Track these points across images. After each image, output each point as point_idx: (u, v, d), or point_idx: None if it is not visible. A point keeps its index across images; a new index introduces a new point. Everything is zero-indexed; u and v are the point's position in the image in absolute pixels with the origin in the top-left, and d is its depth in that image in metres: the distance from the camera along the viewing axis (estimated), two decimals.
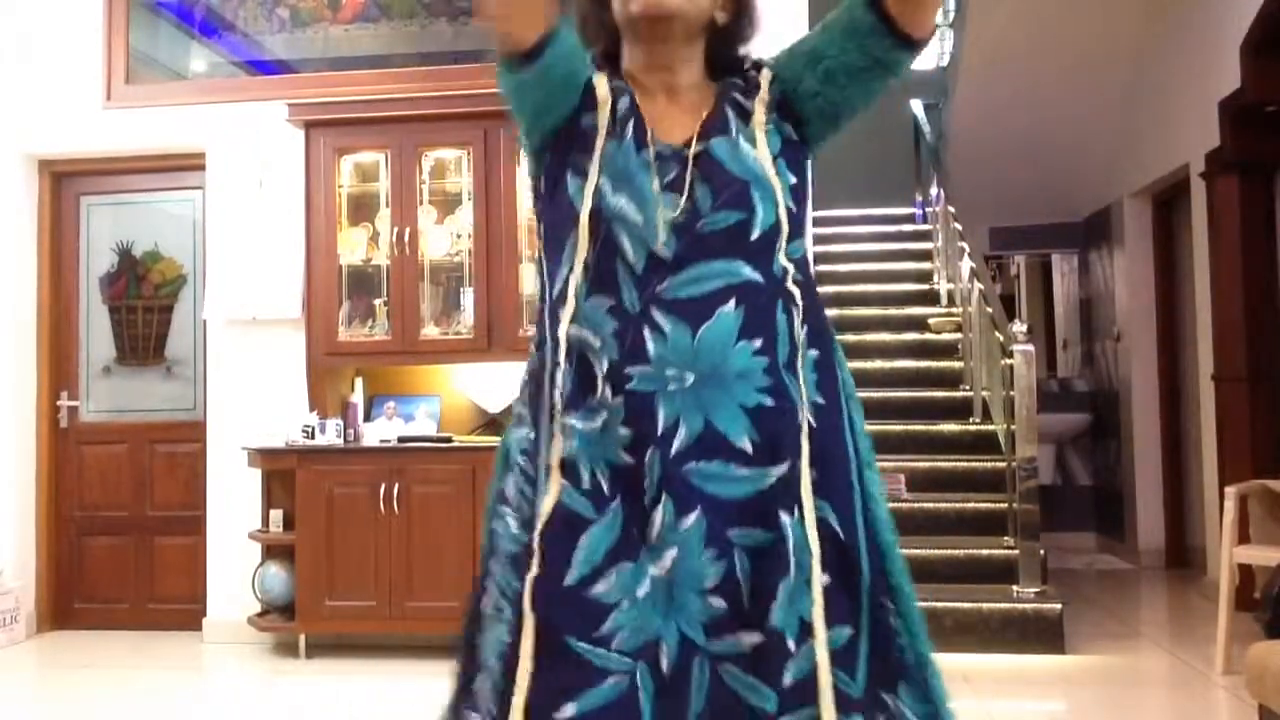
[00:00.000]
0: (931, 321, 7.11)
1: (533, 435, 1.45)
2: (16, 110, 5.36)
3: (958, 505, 5.43)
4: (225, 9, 5.32)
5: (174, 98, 5.29)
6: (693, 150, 1.43)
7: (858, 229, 8.43)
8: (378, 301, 4.92)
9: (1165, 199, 6.65)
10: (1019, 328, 5.12)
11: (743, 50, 1.58)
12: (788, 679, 1.29)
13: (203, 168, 5.26)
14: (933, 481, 5.70)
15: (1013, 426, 4.97)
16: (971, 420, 6.19)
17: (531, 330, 4.88)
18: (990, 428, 5.97)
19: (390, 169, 4.88)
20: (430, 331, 4.86)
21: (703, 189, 1.40)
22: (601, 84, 1.48)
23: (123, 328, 5.48)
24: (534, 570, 1.34)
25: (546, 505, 1.36)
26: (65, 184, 5.53)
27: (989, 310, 5.81)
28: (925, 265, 7.95)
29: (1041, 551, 4.87)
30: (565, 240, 1.42)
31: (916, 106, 8.62)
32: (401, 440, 4.75)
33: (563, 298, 1.41)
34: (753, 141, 1.45)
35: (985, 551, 5.07)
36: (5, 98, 5.37)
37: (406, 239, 4.82)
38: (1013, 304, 8.48)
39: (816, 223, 5.22)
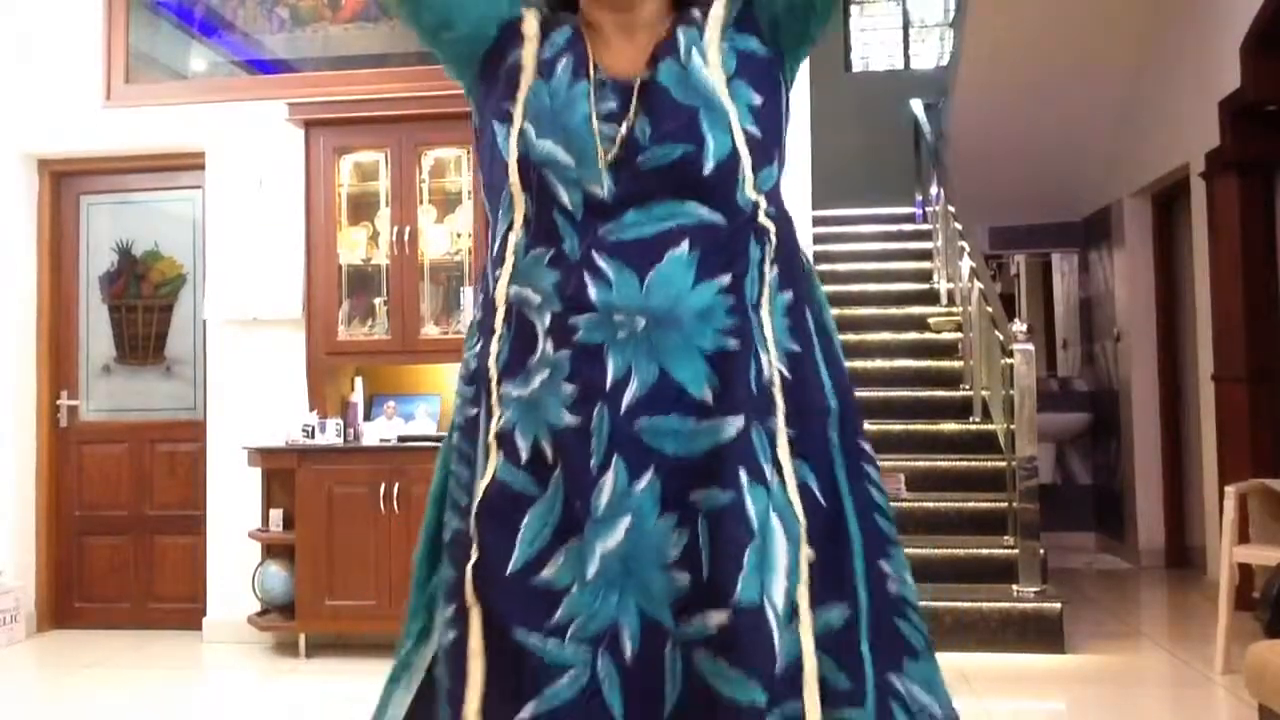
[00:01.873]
0: (931, 321, 7.12)
1: (473, 412, 1.29)
2: (16, 110, 5.36)
3: (958, 505, 5.43)
4: (225, 9, 5.31)
5: (174, 97, 5.29)
6: (638, 79, 1.27)
7: (858, 228, 8.44)
8: (378, 301, 4.92)
9: (1165, 199, 6.65)
10: (1019, 327, 5.12)
11: None
12: (778, 666, 1.12)
13: (203, 167, 5.26)
14: (933, 481, 5.70)
15: (1013, 426, 4.97)
16: (971, 420, 6.20)
17: None
18: (990, 427, 5.97)
19: (390, 168, 4.88)
20: (430, 331, 4.86)
21: (642, 121, 1.24)
22: (530, 20, 1.34)
23: (123, 327, 5.48)
24: (473, 557, 1.16)
25: (481, 485, 1.20)
26: (65, 184, 5.53)
27: (989, 310, 5.81)
28: (925, 265, 7.95)
29: (1041, 551, 4.87)
30: (500, 194, 1.29)
31: (916, 106, 8.63)
32: (401, 440, 4.75)
33: (500, 257, 1.28)
34: (704, 58, 1.27)
35: (985, 551, 5.07)
36: (5, 98, 5.37)
37: (406, 238, 4.83)
38: (1013, 304, 8.48)
39: (816, 222, 5.21)
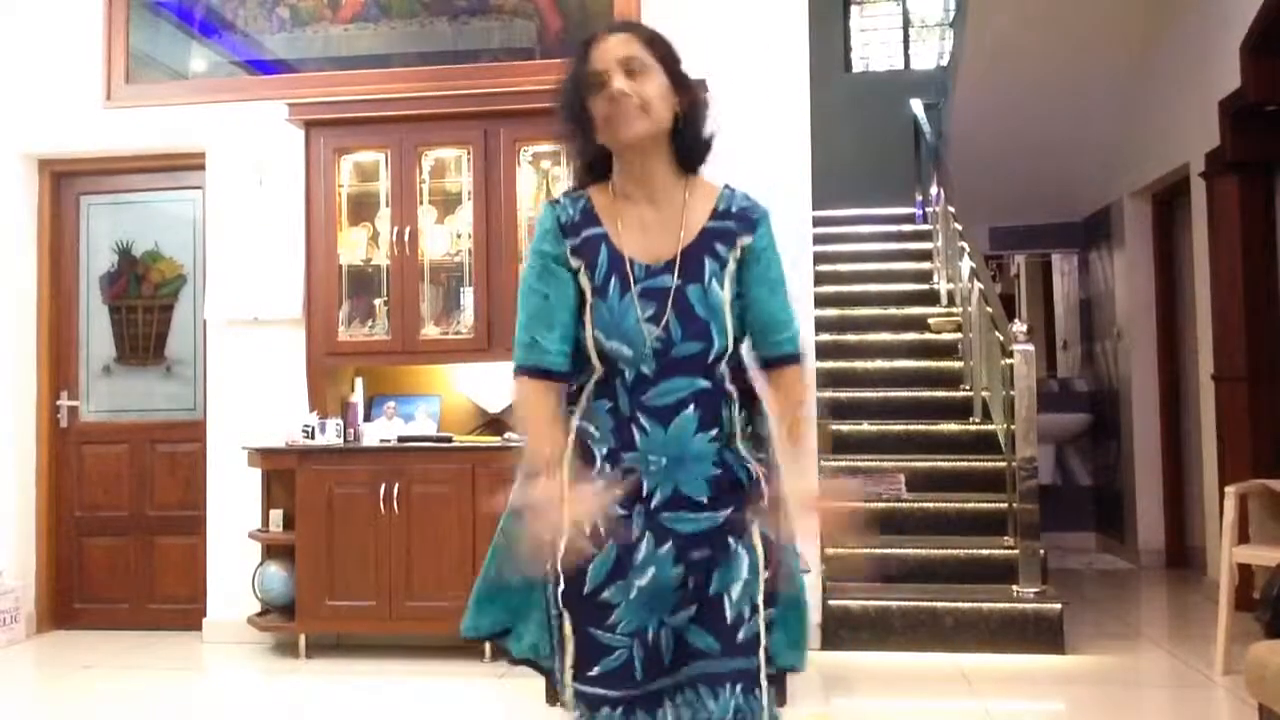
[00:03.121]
0: (931, 321, 7.12)
1: None
2: (16, 110, 5.36)
3: (958, 505, 5.43)
4: (225, 9, 5.32)
5: (174, 97, 5.29)
6: (673, 284, 1.88)
7: (858, 229, 8.43)
8: (378, 301, 4.92)
9: (1165, 199, 6.65)
10: (1019, 328, 5.12)
11: (705, 132, 1.94)
12: (740, 635, 1.85)
13: (203, 167, 5.26)
14: (933, 481, 5.70)
15: (1013, 426, 4.97)
16: (971, 420, 6.19)
17: None
18: (990, 428, 5.97)
19: (390, 169, 4.88)
20: (430, 331, 4.86)
21: (675, 324, 1.87)
22: (571, 258, 1.91)
23: (123, 327, 5.49)
24: (561, 585, 1.91)
25: (562, 543, 1.86)
26: (65, 184, 5.53)
27: (989, 310, 5.81)
28: (925, 265, 7.95)
29: (1041, 551, 4.87)
30: (585, 361, 1.93)
31: (916, 106, 8.63)
32: (401, 440, 4.75)
33: (576, 397, 1.94)
34: (721, 285, 1.89)
35: (985, 551, 5.07)
36: (5, 98, 5.37)
37: (406, 239, 4.83)
38: (1013, 304, 8.48)
39: (816, 223, 5.21)
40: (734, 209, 1.94)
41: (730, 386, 1.93)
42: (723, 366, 1.90)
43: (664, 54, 1.92)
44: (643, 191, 1.92)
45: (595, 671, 1.88)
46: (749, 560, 1.88)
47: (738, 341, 1.93)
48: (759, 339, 1.95)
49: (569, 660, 1.91)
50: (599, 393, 1.92)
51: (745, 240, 1.92)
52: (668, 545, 1.87)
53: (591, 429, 1.92)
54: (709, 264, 1.89)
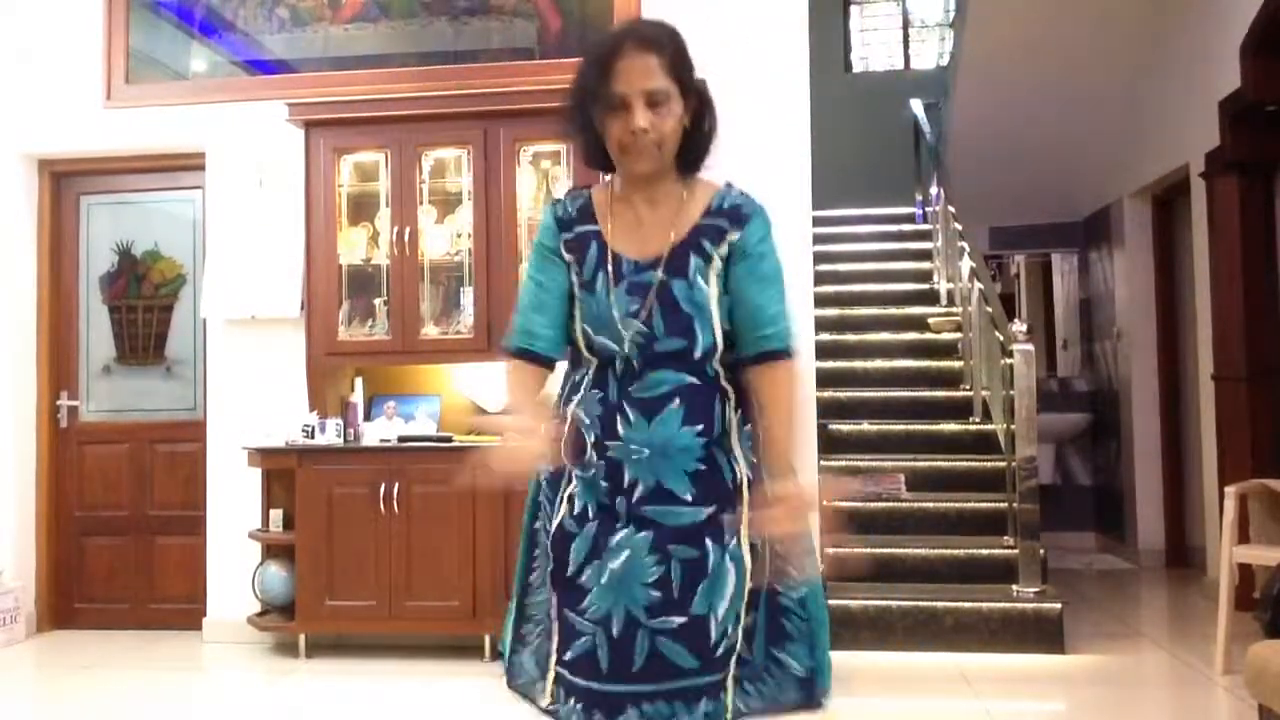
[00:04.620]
0: (931, 321, 7.12)
1: (554, 470, 2.02)
2: (16, 110, 5.36)
3: (958, 505, 5.43)
4: (225, 9, 5.32)
5: (174, 98, 5.29)
6: (658, 279, 1.90)
7: (858, 229, 8.43)
8: (378, 301, 4.92)
9: (1165, 199, 6.65)
10: (1019, 327, 5.12)
11: (710, 142, 1.97)
12: (720, 650, 1.88)
13: (203, 168, 5.26)
14: (933, 481, 5.70)
15: (1013, 426, 4.97)
16: (971, 420, 6.20)
17: None
18: (990, 427, 5.97)
19: (390, 169, 4.88)
20: (430, 331, 4.86)
21: (658, 319, 1.89)
22: (564, 252, 1.98)
23: (123, 327, 5.49)
24: (552, 564, 1.96)
25: (554, 523, 1.97)
26: (65, 184, 5.53)
27: (989, 310, 5.81)
28: (925, 265, 7.95)
29: (1041, 551, 4.87)
30: (579, 354, 2.00)
31: (916, 106, 8.63)
32: (401, 440, 4.75)
33: (576, 388, 1.98)
34: (706, 281, 1.91)
35: (985, 551, 5.07)
36: (5, 98, 5.37)
37: (406, 239, 4.83)
38: (1013, 304, 8.48)
39: (816, 222, 5.22)
40: (727, 206, 1.95)
41: (725, 384, 1.94)
42: (714, 363, 1.92)
43: (680, 72, 1.89)
44: (642, 195, 1.96)
45: (569, 656, 1.90)
46: (735, 575, 1.89)
47: (730, 338, 1.93)
48: (743, 334, 1.92)
49: (554, 644, 1.94)
50: (594, 382, 1.95)
51: (734, 236, 1.92)
52: (646, 533, 1.88)
53: (584, 416, 1.95)
54: (694, 260, 1.91)
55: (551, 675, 1.95)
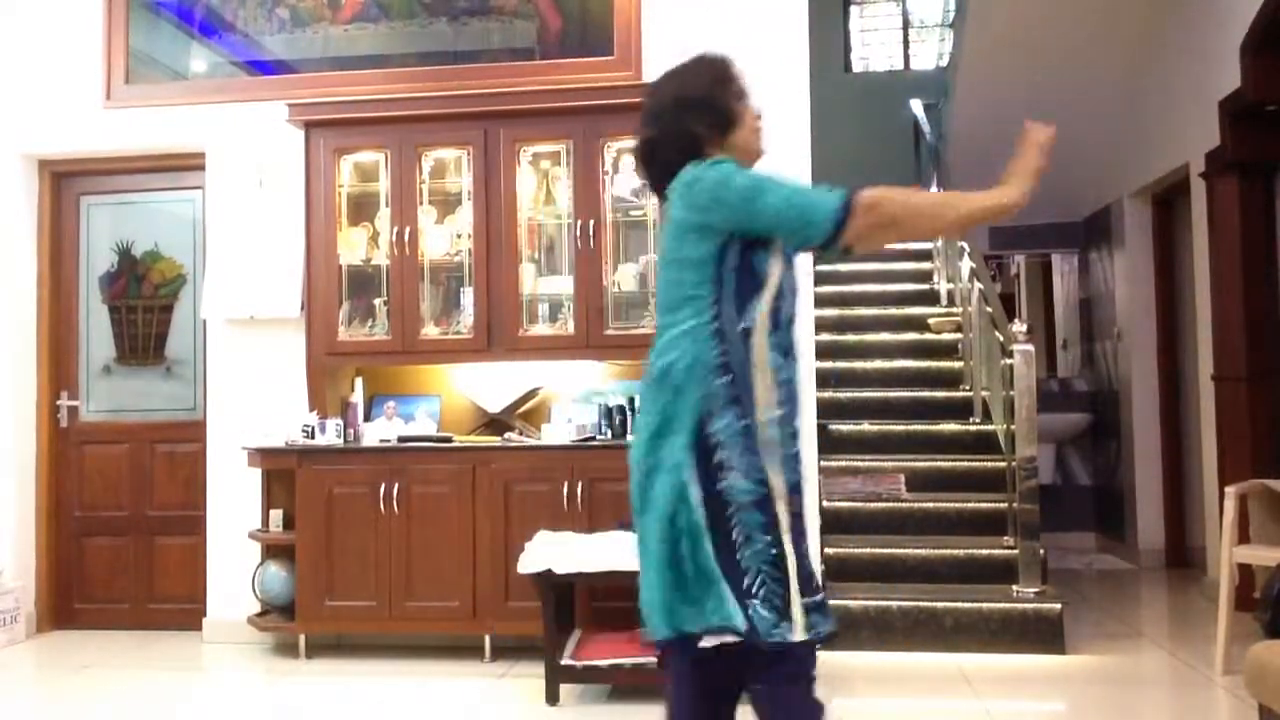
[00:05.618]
0: (931, 321, 7.12)
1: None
2: (16, 110, 5.36)
3: (958, 505, 5.43)
4: (225, 9, 5.32)
5: (174, 98, 5.29)
6: None
7: None
8: (378, 301, 4.92)
9: (1165, 199, 6.65)
10: (1019, 327, 5.12)
11: None
12: None
13: (203, 168, 5.26)
14: (933, 481, 5.70)
15: (1013, 426, 4.97)
16: (971, 420, 6.20)
17: (530, 329, 4.83)
18: (990, 428, 5.97)
19: (390, 169, 4.88)
20: (430, 331, 4.86)
21: None
22: None
23: (123, 327, 5.49)
24: (789, 507, 2.05)
25: (777, 475, 2.04)
26: (65, 184, 5.53)
27: (989, 310, 5.81)
28: (925, 265, 7.95)
29: (1041, 551, 4.87)
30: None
31: (916, 106, 8.63)
32: (401, 440, 4.75)
33: (749, 339, 2.09)
34: None
35: (985, 551, 5.07)
36: (5, 98, 5.38)
37: (406, 239, 4.83)
38: (1013, 304, 8.49)
39: None
40: None
41: None
42: None
43: None
44: None
45: (814, 583, 2.02)
46: None
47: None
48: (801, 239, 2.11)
49: (794, 585, 1.99)
50: (779, 345, 2.11)
51: None
52: None
53: (780, 357, 2.12)
54: None
55: (798, 608, 1.99)
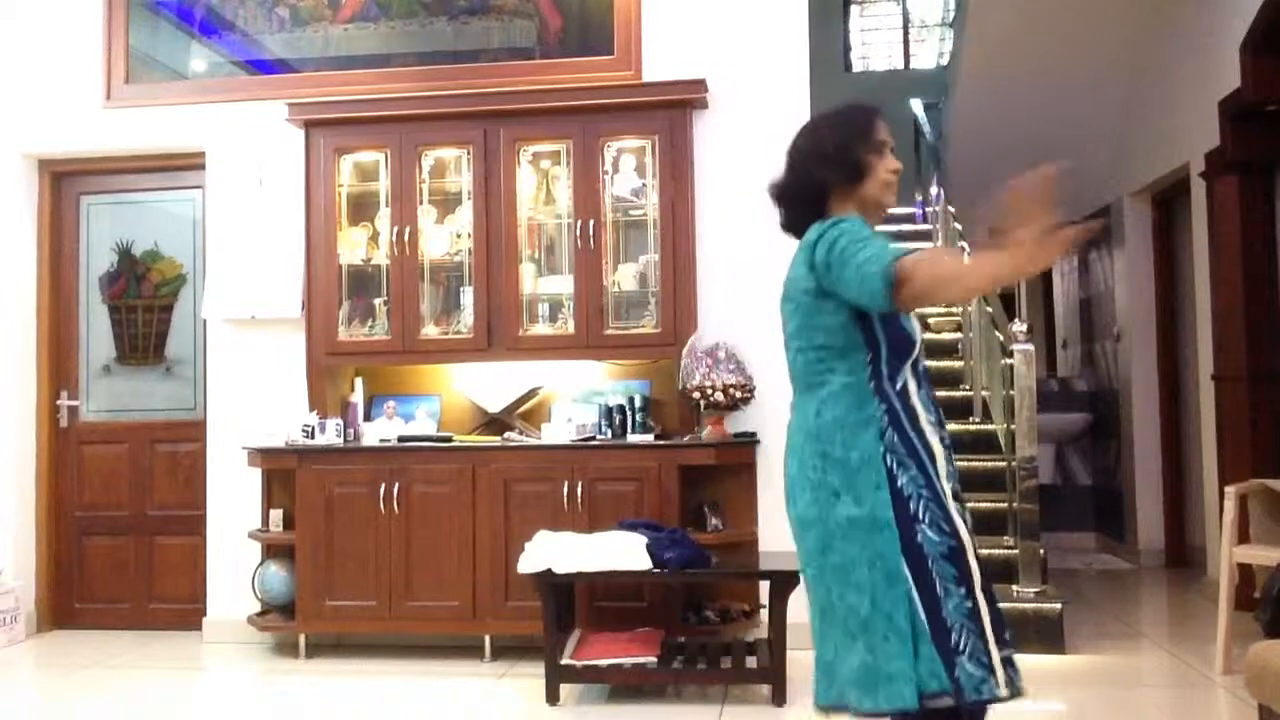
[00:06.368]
0: (931, 321, 7.12)
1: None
2: (16, 110, 5.36)
3: None
4: (225, 9, 5.32)
5: (174, 98, 5.29)
6: None
7: None
8: (378, 301, 4.92)
9: (1165, 199, 6.65)
10: (1019, 327, 5.11)
11: None
12: None
13: (203, 167, 5.26)
14: None
15: (1013, 426, 4.97)
16: (971, 420, 6.19)
17: (530, 329, 4.84)
18: (990, 427, 5.97)
19: (390, 169, 4.88)
20: (430, 331, 4.86)
21: None
22: None
23: (123, 327, 5.49)
24: (976, 564, 2.25)
25: (952, 525, 2.22)
26: (65, 184, 5.54)
27: (989, 310, 5.81)
28: None
29: (1041, 551, 4.87)
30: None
31: (916, 106, 8.63)
32: (401, 440, 4.75)
33: (898, 374, 2.24)
34: None
35: (985, 551, 5.00)
36: (5, 97, 5.38)
37: (406, 239, 4.83)
38: (1013, 304, 8.48)
39: None
40: None
41: None
42: None
43: None
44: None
45: (1006, 636, 2.12)
46: None
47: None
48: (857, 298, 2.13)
49: (990, 637, 2.09)
50: (915, 374, 2.24)
51: None
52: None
53: (925, 400, 2.23)
54: None
55: (998, 661, 2.07)
